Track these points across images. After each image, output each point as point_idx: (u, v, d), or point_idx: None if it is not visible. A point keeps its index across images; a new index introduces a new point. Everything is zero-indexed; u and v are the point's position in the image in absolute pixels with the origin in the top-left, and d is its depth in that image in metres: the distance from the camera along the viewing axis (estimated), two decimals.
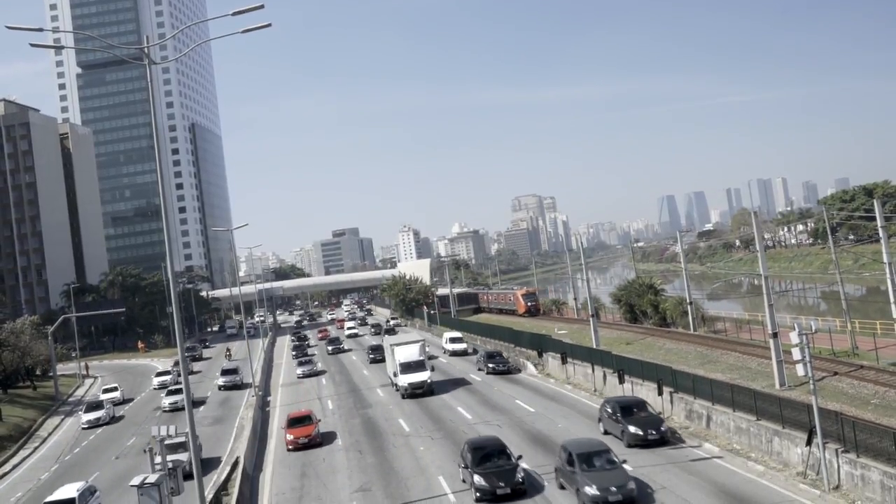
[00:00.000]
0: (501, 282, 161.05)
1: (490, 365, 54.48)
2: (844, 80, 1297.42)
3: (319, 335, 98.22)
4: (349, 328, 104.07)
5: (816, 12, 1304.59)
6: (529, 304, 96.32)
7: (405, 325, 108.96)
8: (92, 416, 51.46)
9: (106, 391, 60.57)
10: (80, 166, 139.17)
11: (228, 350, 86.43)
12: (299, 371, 62.71)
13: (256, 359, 74.96)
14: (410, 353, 48.85)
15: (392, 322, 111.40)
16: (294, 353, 78.75)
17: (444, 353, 68.14)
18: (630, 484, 24.01)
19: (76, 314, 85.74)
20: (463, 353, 67.12)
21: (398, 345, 49.87)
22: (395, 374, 48.41)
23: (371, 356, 67.53)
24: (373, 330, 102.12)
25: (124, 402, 59.96)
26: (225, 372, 62.02)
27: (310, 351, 79.83)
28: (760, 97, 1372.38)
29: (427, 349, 53.71)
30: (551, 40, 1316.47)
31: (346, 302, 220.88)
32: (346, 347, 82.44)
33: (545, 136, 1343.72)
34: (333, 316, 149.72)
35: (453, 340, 70.18)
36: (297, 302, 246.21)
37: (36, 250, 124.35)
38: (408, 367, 47.75)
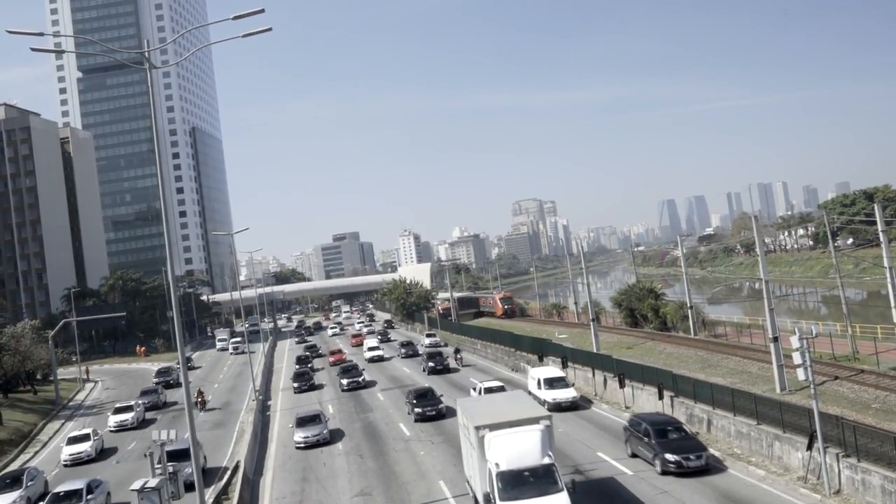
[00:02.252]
0: (502, 286, 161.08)
1: (670, 457, 27.30)
2: (845, 83, 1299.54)
3: (331, 359, 72.51)
4: (371, 348, 76.40)
5: (816, 15, 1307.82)
6: (506, 307, 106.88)
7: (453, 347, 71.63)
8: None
9: (72, 441, 40.87)
10: (80, 170, 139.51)
11: (201, 395, 54.91)
12: (299, 436, 37.55)
13: (257, 363, 74.97)
14: (523, 448, 22.96)
15: (429, 340, 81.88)
16: (295, 384, 58.86)
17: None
18: None
19: (77, 318, 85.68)
20: (572, 407, 40.28)
21: (494, 427, 23.77)
22: (490, 498, 22.11)
23: (417, 409, 41.30)
24: (404, 351, 74.61)
25: (97, 457, 40.40)
26: (171, 455, 27.73)
27: (316, 381, 60.77)
28: (761, 101, 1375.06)
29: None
30: (551, 43, 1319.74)
31: (346, 310, 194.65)
32: (366, 379, 57.87)
33: (545, 139, 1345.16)
34: (336, 330, 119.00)
35: (553, 383, 41.64)
36: (294, 306, 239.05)
37: (36, 254, 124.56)
38: (519, 482, 22.22)
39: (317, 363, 74.92)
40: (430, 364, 60.16)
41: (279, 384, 65.03)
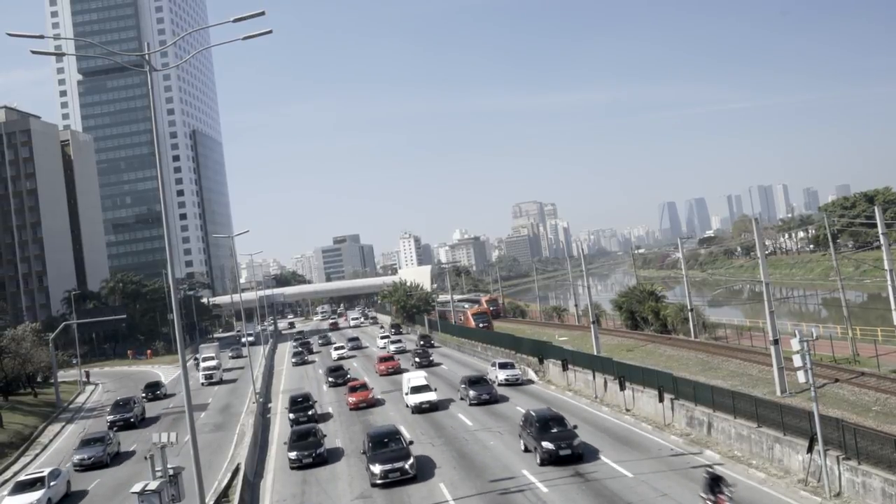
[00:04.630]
0: (502, 288, 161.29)
1: None
2: (845, 85, 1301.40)
3: (351, 398, 48.21)
4: (416, 388, 45.06)
5: (816, 17, 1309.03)
6: (491, 308, 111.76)
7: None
8: None
9: None
10: (81, 173, 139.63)
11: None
12: None
13: (257, 365, 74.89)
14: None
15: (505, 374, 50.78)
16: (292, 454, 34.11)
17: None
18: None
19: (77, 321, 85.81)
20: None
21: None
22: None
23: None
24: (473, 394, 44.47)
25: None
26: None
27: (326, 444, 35.66)
28: (761, 103, 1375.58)
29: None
30: (551, 46, 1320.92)
31: (354, 317, 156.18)
32: (414, 465, 30.17)
33: (546, 142, 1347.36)
34: (343, 351, 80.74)
35: None
36: (287, 311, 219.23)
37: (37, 257, 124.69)
38: None
39: (328, 396, 54.77)
40: (548, 445, 29.67)
41: (279, 387, 64.97)
